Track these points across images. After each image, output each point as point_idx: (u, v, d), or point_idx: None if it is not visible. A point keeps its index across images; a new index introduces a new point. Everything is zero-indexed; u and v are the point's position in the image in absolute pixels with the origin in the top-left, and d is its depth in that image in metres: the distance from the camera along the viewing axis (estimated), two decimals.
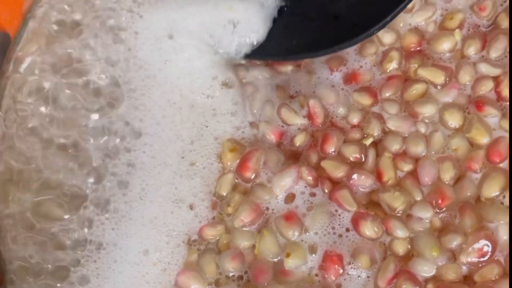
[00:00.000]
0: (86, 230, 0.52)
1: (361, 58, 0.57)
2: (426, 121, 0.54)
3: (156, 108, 0.55)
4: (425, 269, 0.49)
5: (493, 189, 0.51)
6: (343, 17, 0.54)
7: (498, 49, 0.54)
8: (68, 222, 0.52)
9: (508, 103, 0.53)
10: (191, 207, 0.53)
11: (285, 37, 0.56)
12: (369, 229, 0.51)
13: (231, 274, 0.52)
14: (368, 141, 0.54)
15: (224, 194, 0.54)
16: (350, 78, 0.57)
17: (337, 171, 0.53)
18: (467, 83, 0.54)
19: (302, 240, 0.51)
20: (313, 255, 0.51)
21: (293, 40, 0.56)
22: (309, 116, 0.56)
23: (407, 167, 0.53)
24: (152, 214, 0.53)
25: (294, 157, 0.55)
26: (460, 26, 0.56)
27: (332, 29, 0.54)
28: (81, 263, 0.51)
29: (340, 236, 0.52)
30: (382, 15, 0.51)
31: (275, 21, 0.57)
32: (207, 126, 0.56)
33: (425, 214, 0.51)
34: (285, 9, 0.57)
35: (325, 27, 0.54)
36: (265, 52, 0.56)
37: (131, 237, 0.52)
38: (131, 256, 0.52)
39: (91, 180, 0.53)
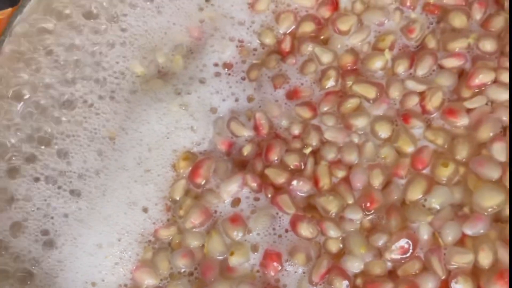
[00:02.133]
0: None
1: (302, 76, 0.61)
2: (359, 132, 0.58)
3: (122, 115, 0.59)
4: (354, 265, 0.53)
5: (416, 193, 0.54)
6: None
7: (424, 67, 0.58)
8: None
9: (431, 115, 0.57)
10: (144, 210, 0.57)
11: None
12: (305, 230, 0.54)
13: (182, 270, 0.55)
14: (307, 150, 0.58)
15: (177, 198, 0.57)
16: (292, 94, 0.60)
17: (279, 178, 0.57)
18: (396, 97, 0.58)
19: (246, 240, 0.55)
20: (255, 253, 0.55)
21: None
22: (256, 128, 0.60)
23: (341, 173, 0.57)
24: (107, 212, 0.56)
25: (242, 165, 0.59)
26: (391, 47, 0.60)
27: None
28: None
29: (280, 236, 0.55)
30: None
31: None
32: (168, 138, 0.59)
33: (356, 216, 0.54)
34: None
35: None
36: None
37: (88, 229, 0.56)
38: (87, 246, 0.56)
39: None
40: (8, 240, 0.55)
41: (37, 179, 0.56)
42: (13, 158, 0.56)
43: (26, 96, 0.57)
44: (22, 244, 0.55)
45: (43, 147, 0.57)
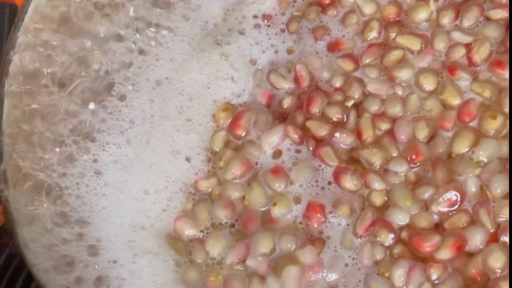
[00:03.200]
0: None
1: (343, 27, 0.59)
2: (403, 84, 0.56)
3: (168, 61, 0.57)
4: (399, 218, 0.51)
5: (463, 145, 0.52)
6: None
7: (470, 18, 0.56)
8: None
9: (478, 67, 0.55)
10: (187, 159, 0.56)
11: None
12: (349, 182, 0.53)
13: (223, 221, 0.54)
14: (349, 103, 0.56)
15: (217, 150, 0.56)
16: (333, 46, 0.58)
17: (321, 130, 0.55)
18: (441, 49, 0.56)
19: (288, 192, 0.54)
20: (298, 205, 0.53)
21: None
22: (296, 80, 0.58)
23: (385, 126, 0.55)
24: (152, 160, 0.55)
25: (282, 117, 0.57)
26: None
27: None
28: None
29: (323, 188, 0.54)
30: None
31: None
32: (208, 88, 0.57)
33: (400, 169, 0.53)
34: None
35: None
36: None
37: (133, 176, 0.55)
38: (134, 193, 0.55)
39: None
40: None
41: None
42: None
43: None
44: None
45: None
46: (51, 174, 0.54)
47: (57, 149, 0.54)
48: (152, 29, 0.57)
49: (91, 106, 0.56)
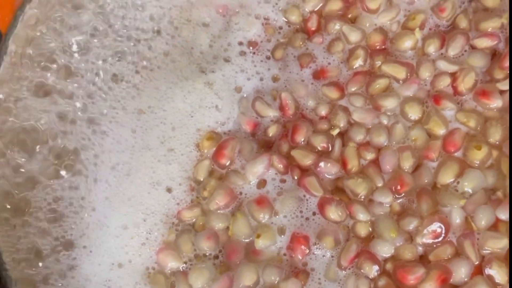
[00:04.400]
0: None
1: (329, 55, 0.58)
2: (388, 113, 0.55)
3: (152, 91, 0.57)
4: (384, 249, 0.51)
5: (448, 176, 0.52)
6: None
7: (455, 47, 0.56)
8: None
9: (463, 97, 0.55)
10: (168, 190, 0.55)
11: None
12: (334, 213, 0.52)
13: (207, 253, 0.53)
14: (335, 132, 0.55)
15: (201, 179, 0.55)
16: (319, 74, 0.58)
17: (306, 159, 0.54)
18: (427, 78, 0.55)
19: (272, 223, 0.53)
20: (282, 236, 0.52)
21: None
22: (281, 108, 0.57)
23: (370, 155, 0.54)
24: (131, 193, 0.54)
25: (267, 146, 0.57)
26: (422, 26, 0.57)
27: None
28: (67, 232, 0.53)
29: (307, 219, 0.53)
30: None
31: None
32: (192, 116, 0.57)
33: (385, 199, 0.52)
34: None
35: None
36: None
37: (113, 211, 0.54)
38: (112, 229, 0.53)
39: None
40: None
41: None
42: None
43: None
44: None
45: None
46: None
47: None
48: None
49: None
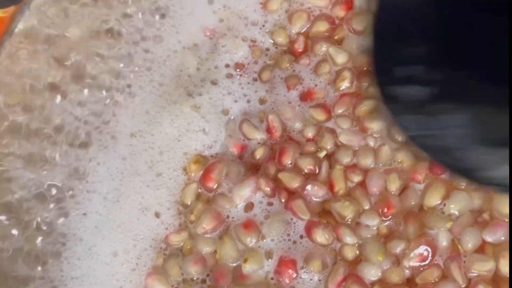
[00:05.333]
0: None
1: (316, 77, 0.58)
2: (375, 135, 0.55)
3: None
4: (371, 273, 0.51)
5: (435, 198, 0.52)
6: None
7: None
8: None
9: None
10: (157, 215, 0.54)
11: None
12: (321, 236, 0.52)
13: (194, 277, 0.53)
14: (321, 154, 0.55)
15: (188, 203, 0.55)
16: (306, 95, 0.57)
17: (293, 182, 0.54)
18: None
19: (259, 246, 0.52)
20: (269, 260, 0.52)
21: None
22: (268, 130, 0.57)
23: (357, 178, 0.54)
24: (121, 219, 0.54)
25: (254, 168, 0.56)
26: None
27: None
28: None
29: (295, 242, 0.53)
30: None
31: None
32: (179, 140, 0.56)
33: (372, 222, 0.52)
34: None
35: None
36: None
37: (103, 239, 0.53)
38: (103, 257, 0.53)
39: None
40: None
41: None
42: None
43: None
44: None
45: None
46: None
47: None
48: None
49: None
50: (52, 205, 0.53)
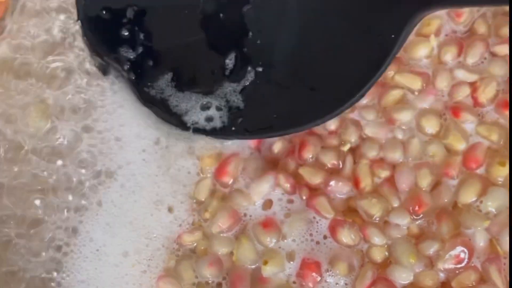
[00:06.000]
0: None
1: None
2: (403, 127, 0.51)
3: None
4: (402, 276, 0.47)
5: (470, 195, 0.48)
6: (319, 89, 0.48)
7: (474, 55, 0.52)
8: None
9: (484, 108, 0.51)
10: (170, 209, 0.50)
11: (262, 108, 0.49)
12: (346, 236, 0.48)
13: (210, 281, 0.49)
14: (345, 148, 0.51)
15: (202, 200, 0.51)
16: None
17: (315, 178, 0.50)
18: (444, 89, 0.51)
19: (280, 247, 0.48)
20: (291, 262, 0.48)
21: (272, 113, 0.48)
22: None
23: (384, 173, 0.50)
24: (132, 215, 0.50)
25: (272, 163, 0.52)
26: (437, 33, 0.53)
27: (311, 101, 0.48)
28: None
29: (318, 243, 0.49)
30: (360, 86, 0.46)
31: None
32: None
33: (402, 221, 0.48)
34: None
35: (302, 98, 0.48)
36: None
37: (113, 237, 0.50)
38: (111, 258, 0.49)
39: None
40: None
41: None
42: None
43: None
44: None
45: None
46: None
47: None
48: None
49: None
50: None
